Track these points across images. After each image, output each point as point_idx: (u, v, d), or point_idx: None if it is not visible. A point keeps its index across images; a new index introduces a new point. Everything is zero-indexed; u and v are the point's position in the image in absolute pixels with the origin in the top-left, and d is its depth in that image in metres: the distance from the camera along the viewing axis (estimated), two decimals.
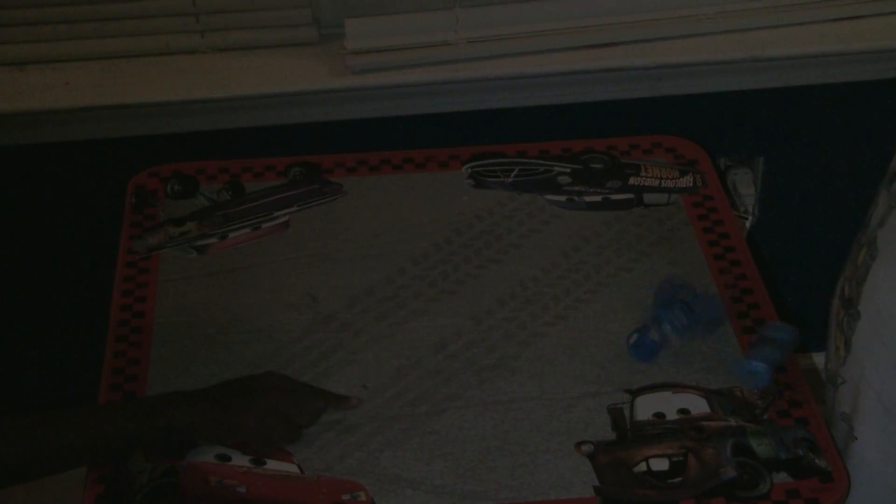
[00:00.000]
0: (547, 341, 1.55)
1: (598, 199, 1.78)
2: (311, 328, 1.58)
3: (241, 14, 2.05)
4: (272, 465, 1.39)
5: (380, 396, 1.48)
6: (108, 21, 2.03)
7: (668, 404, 1.46)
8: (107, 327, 1.58)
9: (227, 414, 1.38)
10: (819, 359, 2.49)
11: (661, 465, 1.39)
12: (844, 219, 2.32)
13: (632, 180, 1.80)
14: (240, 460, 1.39)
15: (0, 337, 2.32)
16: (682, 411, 1.45)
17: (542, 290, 1.63)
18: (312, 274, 1.66)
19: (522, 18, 2.05)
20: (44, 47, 2.03)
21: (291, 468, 1.39)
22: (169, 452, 1.38)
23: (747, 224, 2.23)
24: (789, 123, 2.19)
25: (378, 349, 1.55)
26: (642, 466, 1.38)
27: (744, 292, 1.61)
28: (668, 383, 1.49)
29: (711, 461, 1.38)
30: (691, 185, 1.80)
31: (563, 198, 1.78)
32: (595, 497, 1.36)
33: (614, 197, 1.78)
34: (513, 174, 1.82)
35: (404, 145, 2.01)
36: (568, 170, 1.82)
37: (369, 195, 1.79)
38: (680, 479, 1.37)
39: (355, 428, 1.44)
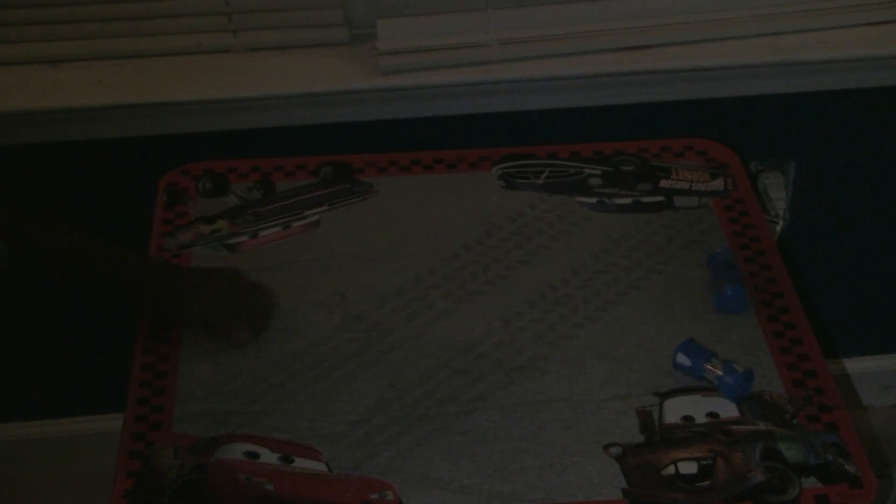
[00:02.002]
0: (576, 343, 1.55)
1: (628, 201, 1.77)
2: (341, 327, 1.58)
3: (273, 14, 2.06)
4: (300, 463, 1.40)
5: (408, 396, 1.48)
6: (141, 20, 2.04)
7: (697, 407, 1.45)
8: (138, 324, 1.59)
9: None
10: (850, 364, 2.49)
11: (689, 468, 1.38)
12: (876, 223, 2.32)
13: (662, 183, 1.80)
14: (268, 458, 1.40)
15: (34, 331, 2.33)
16: (712, 415, 1.44)
17: (571, 292, 1.63)
18: (342, 273, 1.66)
19: (554, 20, 2.05)
20: (78, 45, 2.05)
21: (320, 466, 1.40)
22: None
23: (778, 228, 2.22)
24: (821, 128, 2.18)
25: (407, 349, 1.55)
26: (671, 469, 1.38)
27: (774, 296, 1.61)
28: (698, 386, 1.48)
29: (740, 465, 1.38)
30: (722, 188, 1.79)
31: (593, 200, 1.78)
32: (623, 499, 1.35)
33: (645, 199, 1.78)
34: (543, 176, 1.82)
35: (435, 146, 2.01)
36: (598, 172, 1.82)
37: (400, 195, 1.80)
38: (708, 482, 1.36)
39: (384, 427, 1.44)
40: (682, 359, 1.49)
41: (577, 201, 1.78)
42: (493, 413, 1.46)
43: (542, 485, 1.37)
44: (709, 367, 1.48)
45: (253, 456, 1.40)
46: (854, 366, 2.49)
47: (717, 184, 1.80)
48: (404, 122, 2.09)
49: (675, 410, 1.45)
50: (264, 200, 1.78)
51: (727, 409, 1.45)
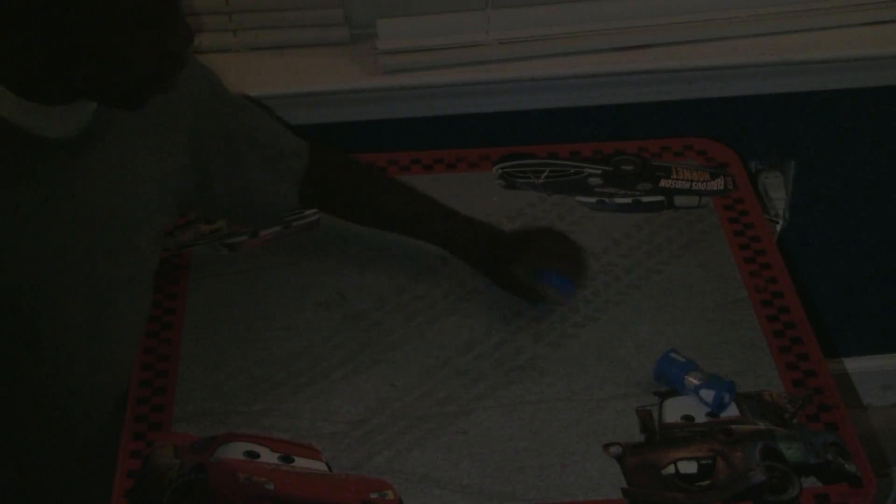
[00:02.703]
0: (576, 343, 1.55)
1: (628, 201, 1.77)
2: (341, 326, 1.58)
3: (273, 13, 2.06)
4: (301, 462, 1.40)
5: (408, 395, 1.48)
6: None
7: (697, 407, 1.45)
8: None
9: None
10: (850, 363, 2.49)
11: (689, 467, 1.38)
12: (876, 223, 2.32)
13: (662, 183, 1.80)
14: (268, 457, 1.40)
15: None
16: (711, 414, 1.44)
17: None
18: (342, 272, 1.66)
19: (554, 20, 2.05)
20: None
21: (320, 466, 1.40)
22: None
23: (778, 228, 2.22)
24: (821, 127, 2.18)
25: (407, 348, 1.55)
26: (671, 469, 1.38)
27: (774, 296, 1.61)
28: None
29: (740, 465, 1.38)
30: (722, 188, 1.79)
31: (593, 199, 1.78)
32: (623, 499, 1.36)
33: (645, 199, 1.78)
34: (543, 175, 1.82)
35: (435, 145, 2.01)
36: (598, 171, 1.82)
37: None
38: (708, 482, 1.37)
39: (383, 427, 1.44)
40: (661, 377, 1.48)
41: (577, 201, 1.78)
42: (493, 412, 1.46)
43: (541, 484, 1.37)
44: (689, 379, 1.47)
45: (253, 455, 1.40)
46: (854, 365, 2.49)
47: (717, 183, 1.80)
48: (404, 122, 2.09)
49: (675, 410, 1.45)
50: None
51: (727, 409, 1.45)
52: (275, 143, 1.61)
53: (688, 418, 1.44)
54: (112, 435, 1.44)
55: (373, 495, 1.36)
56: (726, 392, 1.44)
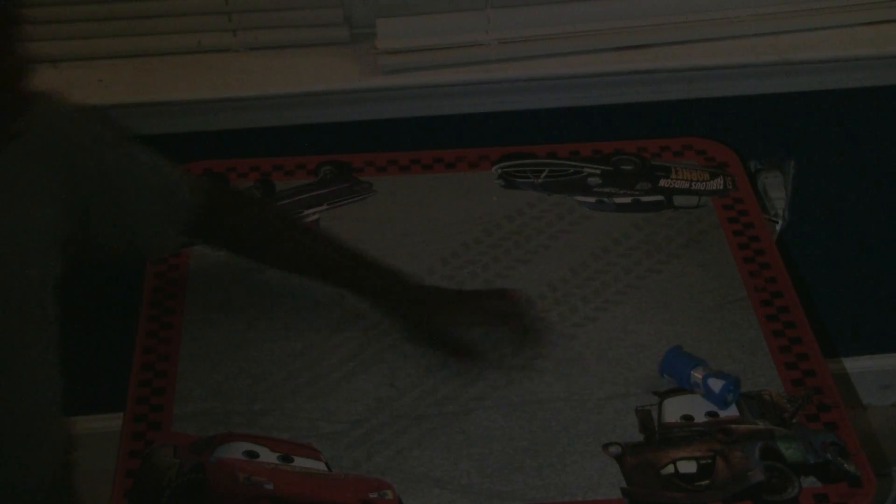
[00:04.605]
0: (575, 342, 1.55)
1: (627, 200, 1.78)
2: (340, 326, 1.58)
3: (273, 13, 2.06)
4: (300, 462, 1.40)
5: (407, 395, 1.48)
6: (141, 19, 2.04)
7: (697, 407, 1.45)
8: (137, 323, 1.59)
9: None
10: (849, 363, 2.49)
11: (688, 467, 1.38)
12: (875, 223, 2.32)
13: (662, 182, 1.80)
14: (268, 457, 1.40)
15: None
16: (711, 414, 1.44)
17: (570, 291, 1.63)
18: None
19: (554, 20, 2.05)
20: (77, 45, 2.05)
21: (319, 466, 1.40)
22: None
23: (777, 228, 2.22)
24: (820, 127, 2.18)
25: (406, 348, 1.55)
26: (670, 469, 1.38)
27: (773, 295, 1.61)
28: None
29: (740, 464, 1.38)
30: (721, 187, 1.79)
31: (592, 199, 1.78)
32: (622, 498, 1.36)
33: (644, 199, 1.78)
34: (543, 175, 1.82)
35: (434, 145, 2.01)
36: (598, 171, 1.82)
37: (399, 194, 1.80)
38: (708, 481, 1.37)
39: (383, 427, 1.44)
40: (667, 370, 1.48)
41: (576, 200, 1.78)
42: (493, 412, 1.46)
43: (541, 484, 1.37)
44: (695, 374, 1.47)
45: (252, 455, 1.40)
46: (853, 365, 2.49)
47: (717, 183, 1.80)
48: (404, 122, 2.09)
49: (674, 409, 1.45)
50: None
51: (729, 407, 1.45)
52: (160, 178, 1.55)
53: (687, 418, 1.44)
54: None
55: (372, 495, 1.36)
56: (733, 386, 1.44)
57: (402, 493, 1.36)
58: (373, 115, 2.08)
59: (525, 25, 2.04)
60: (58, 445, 1.47)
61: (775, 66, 2.05)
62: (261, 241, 1.60)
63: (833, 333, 2.41)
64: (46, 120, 1.37)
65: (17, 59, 1.23)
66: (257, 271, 1.65)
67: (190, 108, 2.02)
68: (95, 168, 1.48)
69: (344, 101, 2.04)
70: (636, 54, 2.05)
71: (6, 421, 1.39)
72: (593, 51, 2.05)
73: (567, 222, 1.74)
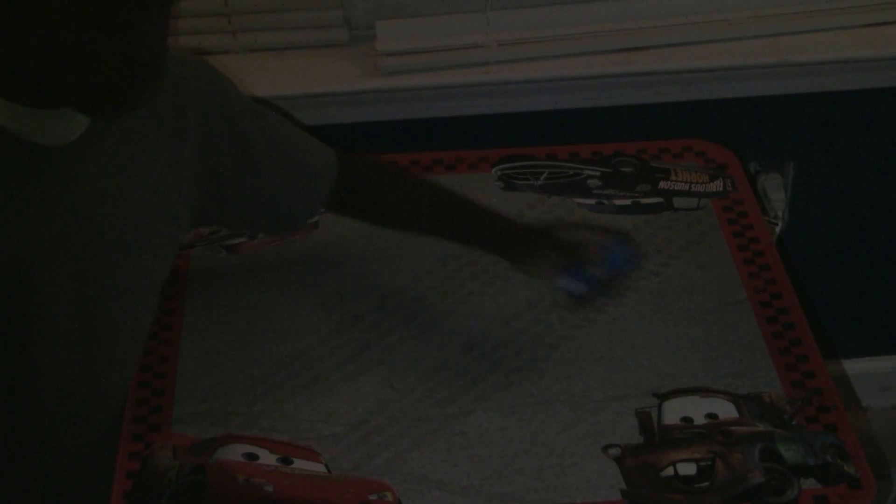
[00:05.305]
0: (575, 344, 1.55)
1: (627, 202, 1.78)
2: (339, 328, 1.58)
3: (272, 15, 2.06)
4: (299, 464, 1.40)
5: (407, 397, 1.48)
6: None
7: (696, 408, 1.45)
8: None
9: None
10: (849, 365, 2.49)
11: (688, 469, 1.38)
12: (875, 225, 2.32)
13: (661, 184, 1.80)
14: (267, 459, 1.40)
15: None
16: (710, 416, 1.44)
17: None
18: (341, 274, 1.66)
19: (553, 22, 2.05)
20: None
21: (318, 467, 1.40)
22: None
23: (777, 229, 2.22)
24: (820, 129, 2.18)
25: (406, 350, 1.55)
26: (670, 470, 1.38)
27: (773, 297, 1.61)
28: (696, 388, 1.48)
29: (739, 466, 1.38)
30: (721, 189, 1.79)
31: (592, 201, 1.78)
32: (622, 500, 1.36)
33: (644, 201, 1.78)
34: (542, 177, 1.82)
35: (434, 147, 2.01)
36: (598, 173, 1.82)
37: None
38: (707, 483, 1.37)
39: (383, 428, 1.44)
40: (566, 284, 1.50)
41: (576, 202, 1.78)
42: (493, 414, 1.46)
43: (540, 486, 1.37)
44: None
45: (252, 457, 1.40)
46: (853, 366, 2.49)
47: (716, 185, 1.80)
48: (403, 123, 2.09)
49: (673, 411, 1.45)
50: None
51: (726, 410, 1.45)
52: (300, 155, 1.58)
53: (687, 420, 1.44)
54: (109, 449, 1.43)
55: (372, 497, 1.36)
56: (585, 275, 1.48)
57: (401, 495, 1.36)
58: (372, 116, 2.08)
59: (524, 27, 2.04)
60: (128, 379, 1.51)
61: (775, 68, 2.05)
62: (397, 209, 1.63)
63: (833, 335, 2.41)
64: (180, 79, 1.39)
65: (159, 35, 1.25)
66: (257, 272, 1.66)
67: None
68: (230, 134, 1.50)
69: (343, 102, 2.05)
70: (636, 56, 2.05)
71: (135, 335, 1.49)
72: (593, 53, 2.05)
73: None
